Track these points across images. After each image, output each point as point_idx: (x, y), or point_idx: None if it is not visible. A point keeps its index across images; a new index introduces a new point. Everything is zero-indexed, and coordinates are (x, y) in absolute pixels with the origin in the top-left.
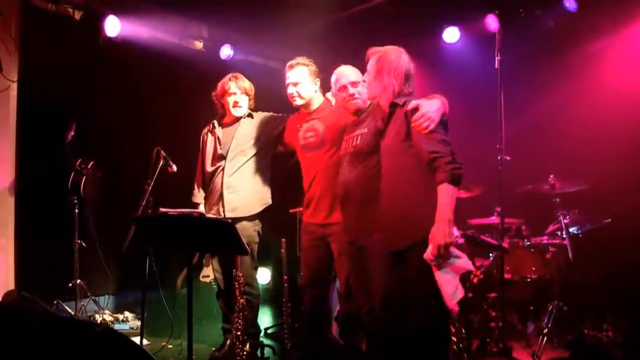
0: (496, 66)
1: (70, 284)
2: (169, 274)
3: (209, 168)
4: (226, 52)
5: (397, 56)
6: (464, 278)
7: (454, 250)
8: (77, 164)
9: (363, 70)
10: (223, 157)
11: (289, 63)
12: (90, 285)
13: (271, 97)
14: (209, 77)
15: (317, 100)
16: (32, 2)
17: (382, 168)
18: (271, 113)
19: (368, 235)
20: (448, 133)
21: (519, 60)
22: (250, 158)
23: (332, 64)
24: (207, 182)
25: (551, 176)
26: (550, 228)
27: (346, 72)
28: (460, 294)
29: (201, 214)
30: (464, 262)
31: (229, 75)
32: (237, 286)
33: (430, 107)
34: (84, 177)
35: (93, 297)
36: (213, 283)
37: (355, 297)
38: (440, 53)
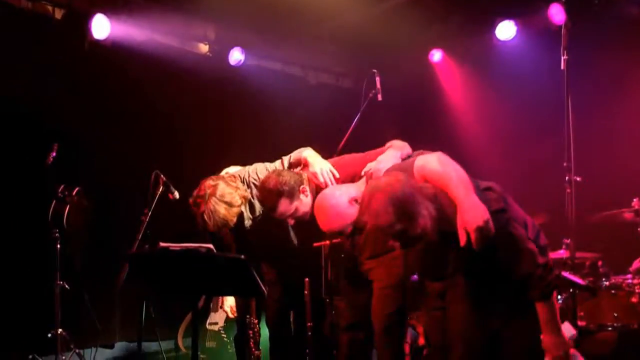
0: (562, 67)
1: (50, 335)
2: (169, 322)
3: None
4: (236, 56)
5: (403, 183)
6: None
7: (574, 354)
8: (60, 190)
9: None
10: None
11: (265, 205)
12: (75, 336)
13: (292, 110)
14: (216, 86)
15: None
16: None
17: None
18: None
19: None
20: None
21: (590, 59)
22: None
23: (364, 70)
24: None
25: (635, 200)
26: (636, 264)
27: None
28: None
29: (209, 250)
30: None
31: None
32: (251, 335)
33: (478, 223)
34: (68, 206)
35: (77, 350)
36: (222, 332)
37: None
38: (492, 52)
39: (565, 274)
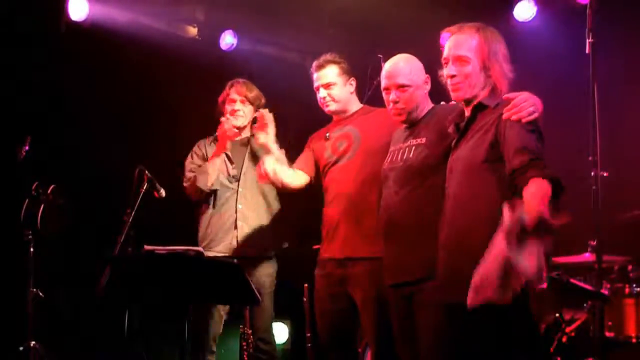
0: (587, 51)
1: (21, 348)
2: (156, 332)
3: (214, 185)
4: (228, 40)
5: (498, 36)
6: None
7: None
8: (33, 188)
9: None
10: (236, 180)
11: (316, 63)
12: (50, 349)
13: (289, 98)
14: (206, 73)
15: (353, 104)
16: None
17: (448, 190)
18: None
19: (417, 280)
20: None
21: (618, 42)
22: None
23: (370, 55)
24: (209, 204)
25: None
26: None
27: (393, 70)
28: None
29: (198, 253)
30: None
31: (230, 82)
32: (245, 347)
33: (530, 99)
34: (42, 206)
35: None
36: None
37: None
38: (510, 34)
39: (574, 280)
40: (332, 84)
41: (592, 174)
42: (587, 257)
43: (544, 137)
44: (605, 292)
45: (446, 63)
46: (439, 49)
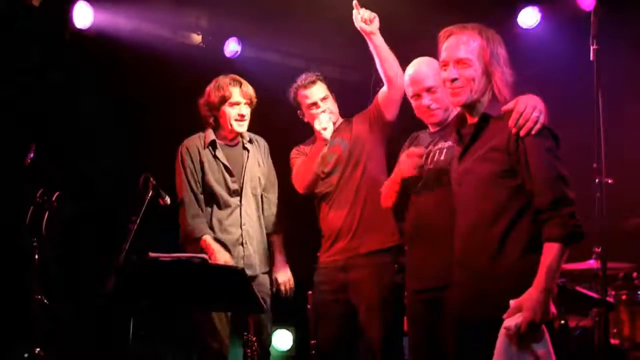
0: (591, 58)
1: (26, 355)
2: (161, 339)
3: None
4: (232, 47)
5: (499, 39)
6: None
7: (545, 334)
8: (38, 195)
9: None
10: (237, 193)
11: (304, 82)
12: (54, 356)
13: (293, 107)
14: (210, 81)
15: (339, 117)
16: None
17: (460, 204)
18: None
19: (444, 285)
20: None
21: (623, 49)
22: (261, 199)
23: (372, 63)
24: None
25: None
26: None
27: (419, 75)
28: None
29: (203, 260)
30: (545, 355)
31: (226, 79)
32: (249, 354)
33: (530, 101)
34: (47, 213)
35: None
36: None
37: None
38: (514, 40)
39: (579, 288)
40: (327, 96)
41: (597, 180)
42: (592, 264)
43: (557, 137)
44: (610, 299)
45: (445, 66)
46: None
